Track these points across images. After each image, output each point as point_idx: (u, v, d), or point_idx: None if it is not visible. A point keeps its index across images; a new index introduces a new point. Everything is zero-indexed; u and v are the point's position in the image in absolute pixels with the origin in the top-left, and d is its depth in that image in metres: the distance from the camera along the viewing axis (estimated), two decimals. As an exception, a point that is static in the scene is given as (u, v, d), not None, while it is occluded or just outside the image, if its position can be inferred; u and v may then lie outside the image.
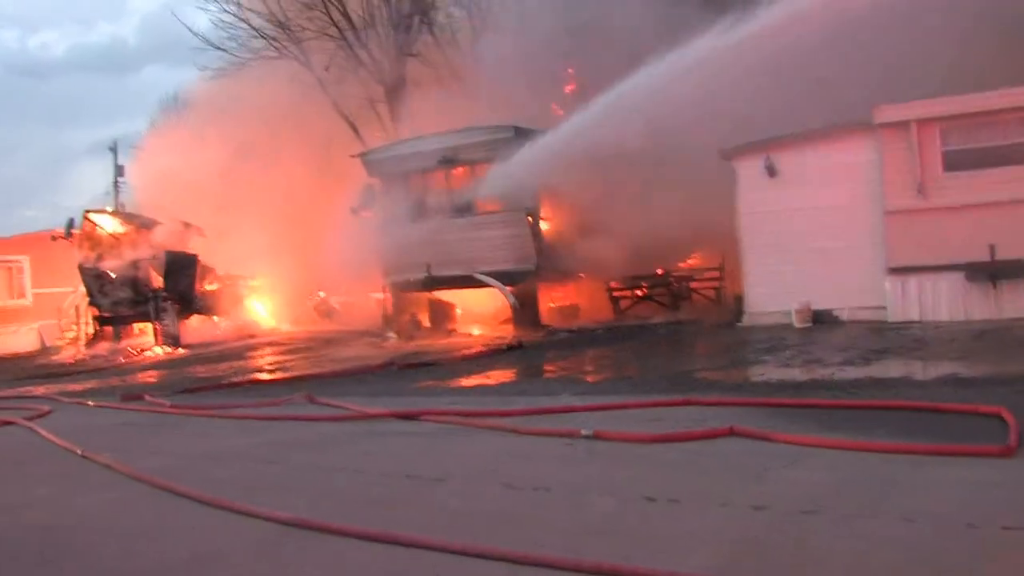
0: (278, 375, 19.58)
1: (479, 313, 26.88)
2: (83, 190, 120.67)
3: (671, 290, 26.49)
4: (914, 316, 18.55)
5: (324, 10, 32.11)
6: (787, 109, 20.32)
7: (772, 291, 20.20)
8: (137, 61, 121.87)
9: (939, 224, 18.45)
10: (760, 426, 8.77)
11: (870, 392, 10.74)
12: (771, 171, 20.11)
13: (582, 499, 7.00)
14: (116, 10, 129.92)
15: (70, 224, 34.09)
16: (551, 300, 27.00)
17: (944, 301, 18.48)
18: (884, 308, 18.96)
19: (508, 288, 24.55)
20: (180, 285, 32.13)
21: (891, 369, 12.97)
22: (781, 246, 20.12)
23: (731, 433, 8.52)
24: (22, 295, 40.40)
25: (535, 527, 6.32)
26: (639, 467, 7.88)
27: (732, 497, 6.57)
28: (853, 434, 8.24)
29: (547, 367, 16.97)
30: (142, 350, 31.13)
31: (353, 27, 32.12)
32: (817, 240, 19.73)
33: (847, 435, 8.21)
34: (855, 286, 19.43)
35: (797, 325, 19.21)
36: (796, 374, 13.09)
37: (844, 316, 19.51)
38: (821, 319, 19.37)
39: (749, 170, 20.47)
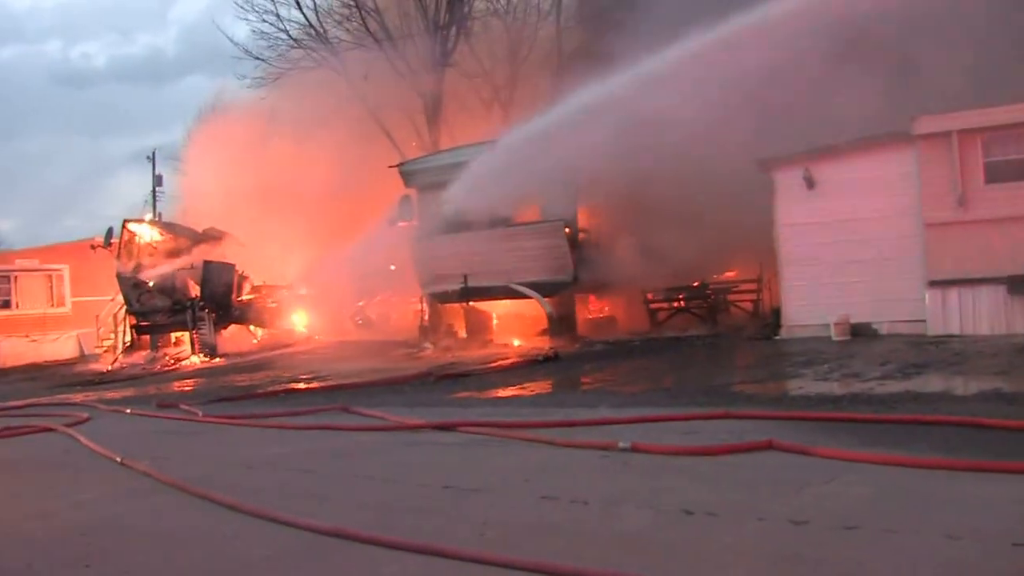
0: (314, 384, 19.64)
1: (516, 324, 26.85)
2: (122, 199, 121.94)
3: (708, 302, 26.38)
4: (954, 330, 18.36)
5: (361, 21, 32.26)
6: (825, 119, 20.22)
7: (810, 304, 20.06)
8: (176, 71, 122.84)
9: (980, 236, 18.26)
10: (798, 440, 8.70)
11: (910, 407, 10.62)
12: (809, 183, 19.99)
13: (619, 511, 6.97)
14: (156, 21, 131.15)
15: (109, 233, 34.46)
16: (588, 311, 26.96)
17: (985, 314, 18.29)
18: (923, 321, 18.78)
19: (545, 299, 24.53)
20: (217, 294, 32.33)
21: (931, 383, 12.83)
22: (819, 258, 19.99)
23: (770, 447, 8.45)
24: (62, 303, 40.84)
25: (572, 539, 6.29)
26: (676, 480, 7.84)
27: (771, 511, 6.52)
28: (893, 449, 8.15)
29: (584, 379, 16.92)
30: (179, 359, 31.35)
31: (390, 38, 32.24)
32: (855, 252, 19.58)
33: (887, 450, 8.13)
34: (894, 299, 19.27)
35: (835, 338, 19.06)
36: (834, 388, 12.98)
37: (883, 329, 19.34)
38: (859, 332, 19.20)
39: (787, 181, 20.35)
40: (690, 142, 20.46)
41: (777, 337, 20.35)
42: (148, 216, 38.44)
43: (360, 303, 32.57)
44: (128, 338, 34.78)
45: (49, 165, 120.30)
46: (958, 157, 18.22)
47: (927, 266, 18.76)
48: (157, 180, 48.01)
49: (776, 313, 21.29)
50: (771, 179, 20.54)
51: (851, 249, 19.60)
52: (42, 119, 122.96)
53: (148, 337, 34.50)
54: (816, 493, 7.01)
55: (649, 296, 27.01)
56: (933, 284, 18.67)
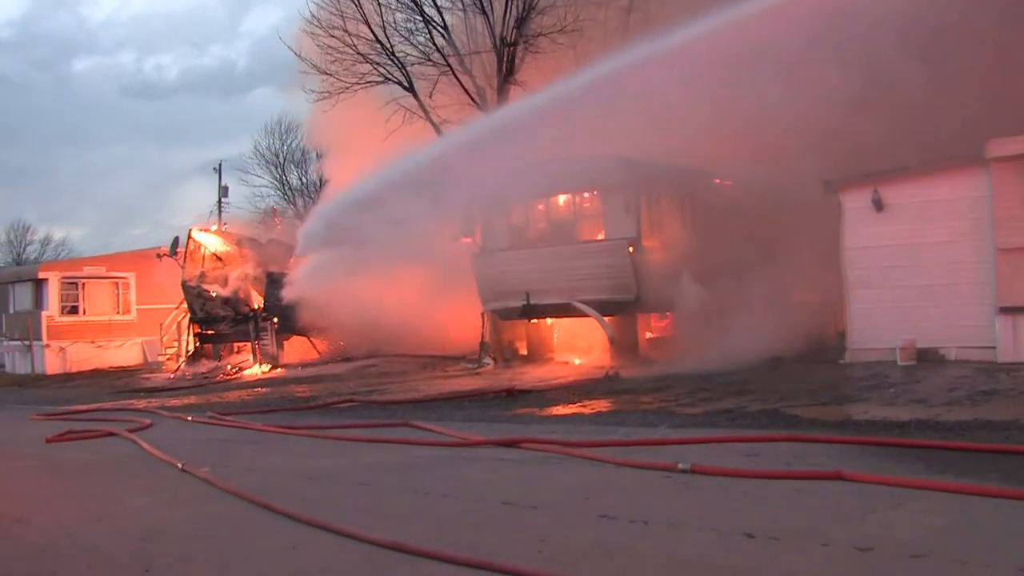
0: (375, 397, 19.66)
1: (577, 341, 26.72)
2: (189, 210, 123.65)
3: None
4: (1026, 358, 17.99)
5: (428, 36, 32.38)
6: (894, 141, 19.99)
7: (876, 327, 19.76)
8: (246, 84, 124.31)
9: (1054, 263, 17.89)
10: (863, 465, 8.58)
11: (979, 435, 10.40)
12: (878, 205, 19.71)
13: (679, 533, 6.88)
14: (227, 34, 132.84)
15: (175, 243, 34.84)
16: (649, 330, 26.75)
17: (1059, 344, 17.92)
18: (993, 348, 18.41)
19: (606, 318, 24.40)
20: (279, 305, 32.51)
21: (1001, 411, 12.51)
22: (886, 282, 19.69)
23: (839, 477, 8.24)
24: (127, 310, 41.40)
25: (631, 559, 6.21)
26: (738, 502, 7.73)
27: (835, 537, 6.40)
28: (962, 477, 7.98)
29: (644, 398, 16.75)
30: (241, 369, 31.59)
31: (457, 53, 32.31)
32: (924, 276, 19.26)
33: (955, 478, 7.96)
34: (963, 325, 18.91)
35: (901, 363, 18.75)
36: (900, 413, 12.72)
37: (951, 355, 18.99)
38: (926, 357, 18.88)
39: (855, 203, 20.08)
40: (757, 159, 20.33)
41: (842, 361, 20.07)
42: (214, 226, 38.82)
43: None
44: (191, 346, 35.15)
45: (118, 175, 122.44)
46: (1033, 181, 17.89)
47: (998, 292, 18.39)
48: (223, 191, 48.69)
49: (841, 336, 20.99)
50: (839, 201, 20.29)
51: (919, 273, 19.28)
52: (113, 130, 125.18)
53: (211, 346, 34.86)
54: (881, 520, 6.86)
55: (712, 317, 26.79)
56: (1004, 310, 18.30)
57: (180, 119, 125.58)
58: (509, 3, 31.22)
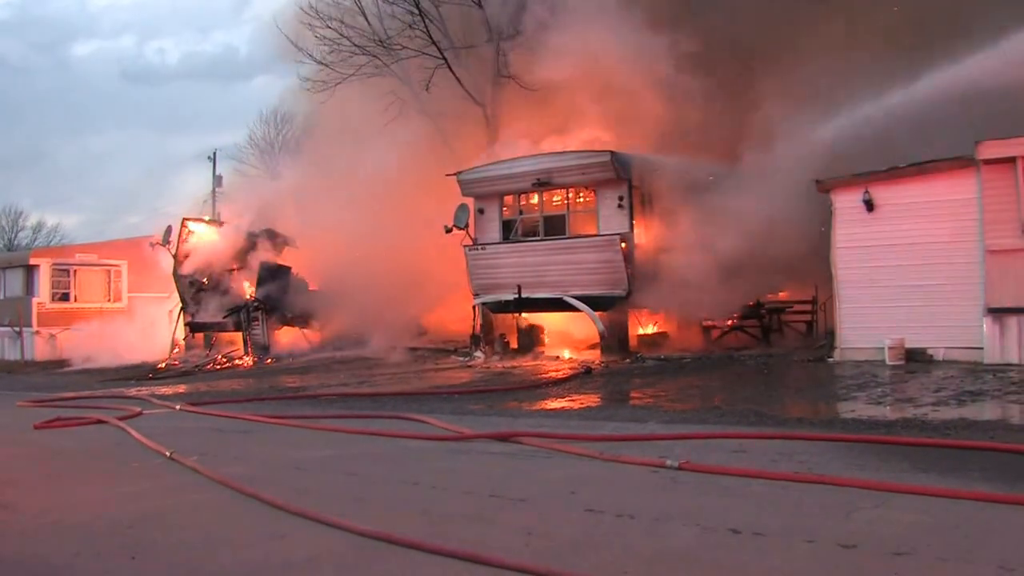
0: (365, 389, 19.69)
1: (568, 336, 26.77)
2: (185, 197, 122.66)
3: (762, 322, 26.18)
4: (1013, 359, 18.02)
5: (424, 29, 32.32)
6: (886, 142, 20.05)
7: (865, 326, 19.81)
8: (247, 71, 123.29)
9: (1044, 265, 17.95)
10: (849, 463, 8.63)
11: (964, 434, 10.46)
12: (869, 205, 19.76)
13: (665, 528, 6.91)
14: (231, 19, 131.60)
15: (168, 232, 34.73)
16: (640, 326, 26.81)
17: (1046, 345, 17.98)
18: (981, 349, 18.47)
19: (597, 313, 24.44)
20: (271, 296, 32.50)
21: (987, 412, 12.61)
22: (876, 281, 19.75)
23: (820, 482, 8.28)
24: (119, 298, 41.25)
25: (617, 553, 6.25)
26: (724, 498, 7.77)
27: (819, 534, 6.44)
28: (946, 476, 8.04)
29: (634, 394, 16.83)
30: (232, 358, 31.56)
31: (453, 47, 32.27)
32: (913, 277, 19.32)
33: (940, 476, 8.02)
34: (951, 325, 18.96)
35: (889, 362, 18.82)
36: (887, 412, 12.80)
37: (938, 355, 19.05)
38: (914, 357, 18.94)
39: (846, 203, 20.13)
40: (747, 157, 20.39)
41: (831, 359, 20.13)
42: (207, 215, 38.75)
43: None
44: (182, 336, 35.08)
45: (115, 162, 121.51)
46: (1022, 183, 17.92)
47: (987, 293, 18.45)
48: (217, 180, 48.62)
49: (830, 335, 21.06)
50: (830, 200, 20.34)
51: (909, 273, 19.34)
52: (111, 115, 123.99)
53: (202, 335, 34.84)
54: (865, 518, 6.91)
55: (703, 313, 26.87)
56: (992, 311, 18.37)
57: (180, 106, 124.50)
58: (506, -3, 31.21)
